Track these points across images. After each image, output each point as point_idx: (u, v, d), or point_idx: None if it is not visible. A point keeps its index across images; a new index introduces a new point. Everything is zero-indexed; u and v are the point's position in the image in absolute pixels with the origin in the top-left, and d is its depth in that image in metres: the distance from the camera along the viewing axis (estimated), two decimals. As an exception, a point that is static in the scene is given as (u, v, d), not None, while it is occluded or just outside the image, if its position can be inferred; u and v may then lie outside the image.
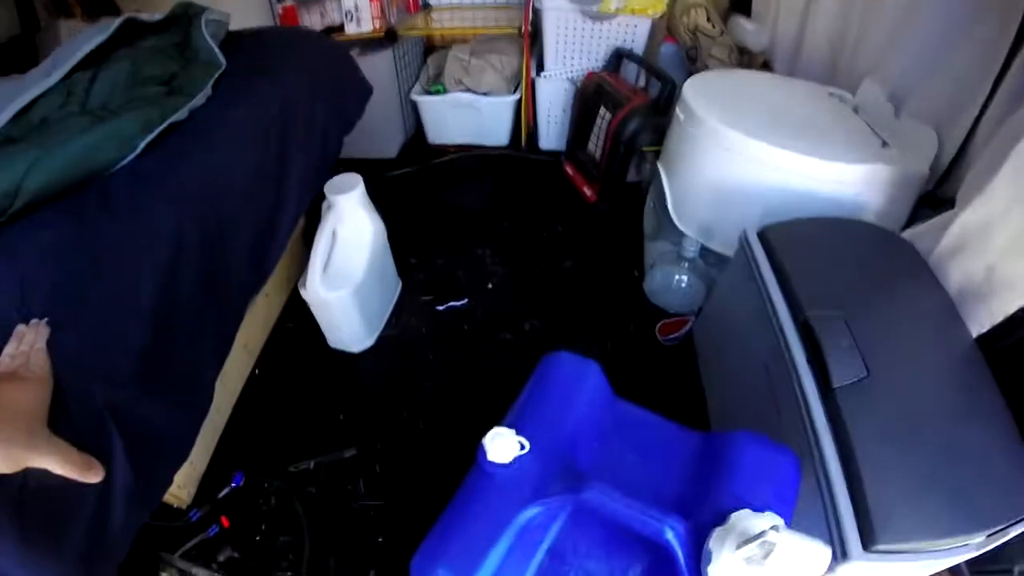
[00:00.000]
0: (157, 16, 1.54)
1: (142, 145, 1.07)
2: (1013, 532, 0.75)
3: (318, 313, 1.57)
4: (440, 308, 1.80)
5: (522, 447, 0.79)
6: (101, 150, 1.02)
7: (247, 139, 1.26)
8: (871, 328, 0.92)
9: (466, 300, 1.82)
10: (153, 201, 1.01)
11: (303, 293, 1.50)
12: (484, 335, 1.72)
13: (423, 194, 2.29)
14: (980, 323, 0.94)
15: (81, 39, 1.38)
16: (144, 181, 1.04)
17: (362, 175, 1.53)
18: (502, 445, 0.77)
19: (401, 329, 1.74)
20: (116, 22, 1.44)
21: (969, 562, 1.14)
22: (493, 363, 1.64)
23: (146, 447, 0.87)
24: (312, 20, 2.43)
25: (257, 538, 1.33)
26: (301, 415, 1.55)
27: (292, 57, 1.55)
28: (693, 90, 1.46)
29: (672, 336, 1.54)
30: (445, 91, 2.44)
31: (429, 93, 2.47)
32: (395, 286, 1.82)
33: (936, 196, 1.29)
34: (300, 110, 1.44)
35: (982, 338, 0.93)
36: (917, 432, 0.81)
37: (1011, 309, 0.89)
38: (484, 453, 0.77)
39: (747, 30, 2.13)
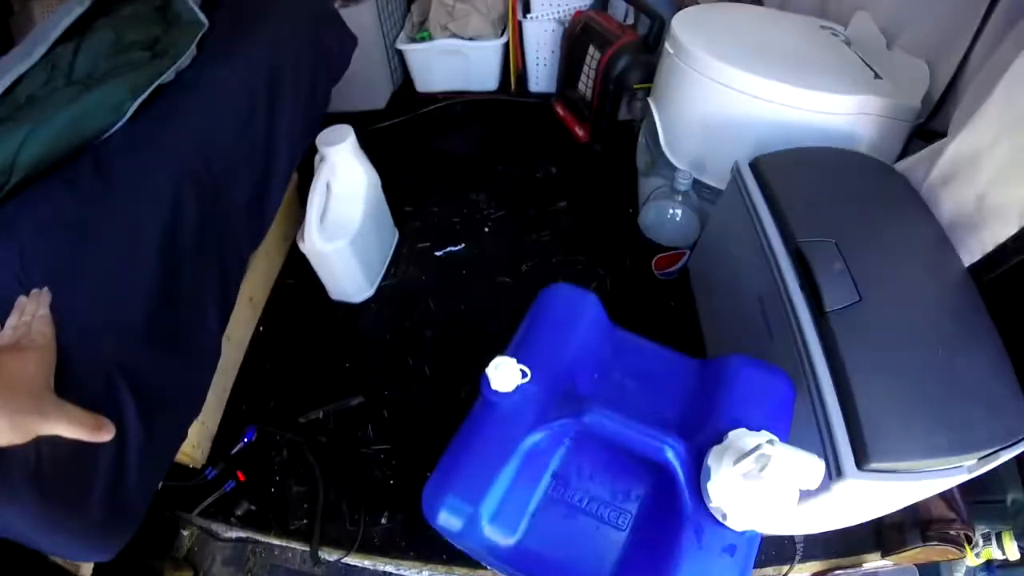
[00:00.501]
0: None
1: (131, 109, 1.07)
2: (1004, 456, 0.77)
3: (317, 265, 1.59)
4: (438, 254, 1.81)
5: (524, 375, 0.81)
6: (90, 118, 1.02)
7: (235, 97, 1.25)
8: (863, 255, 0.93)
9: (463, 245, 1.83)
10: (147, 163, 1.03)
11: (301, 247, 1.50)
12: (483, 279, 1.74)
13: (414, 143, 2.27)
14: (971, 252, 0.95)
15: (60, 13, 1.35)
16: (136, 145, 1.05)
17: (352, 127, 1.52)
18: (504, 374, 0.79)
19: (401, 277, 1.76)
20: None
21: (963, 490, 1.18)
22: (494, 306, 1.67)
23: (157, 405, 0.90)
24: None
25: (272, 490, 1.37)
26: (307, 367, 1.58)
27: (274, 11, 1.52)
28: (682, 24, 1.45)
29: (668, 270, 1.56)
30: (431, 38, 2.39)
31: (415, 41, 2.43)
32: (392, 235, 1.83)
33: (928, 129, 1.28)
34: (286, 64, 1.42)
35: (973, 267, 0.94)
36: (909, 355, 0.83)
37: (1000, 238, 0.90)
38: (487, 382, 0.80)
39: None
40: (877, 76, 1.32)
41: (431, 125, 2.40)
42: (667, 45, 1.47)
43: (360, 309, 1.70)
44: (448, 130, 2.37)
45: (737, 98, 1.30)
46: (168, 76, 1.17)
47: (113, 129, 1.06)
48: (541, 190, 2.03)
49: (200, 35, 1.30)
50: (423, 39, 2.41)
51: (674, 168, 1.47)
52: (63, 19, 1.32)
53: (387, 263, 1.78)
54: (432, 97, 2.53)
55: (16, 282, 0.82)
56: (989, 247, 0.92)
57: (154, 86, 1.13)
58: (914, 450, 0.76)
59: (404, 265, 1.79)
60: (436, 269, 1.78)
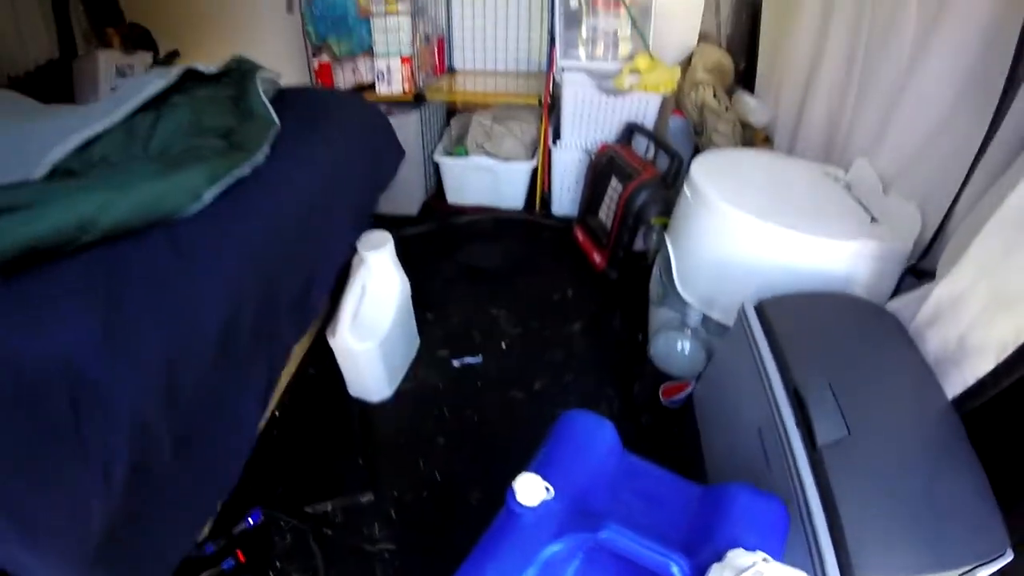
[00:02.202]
0: (213, 68, 1.68)
1: (210, 198, 1.19)
2: (984, 572, 0.84)
3: (344, 361, 1.67)
4: (456, 364, 1.90)
5: (548, 491, 0.88)
6: (170, 197, 1.13)
7: (300, 197, 1.38)
8: (854, 392, 1.03)
9: (480, 357, 1.92)
10: (220, 248, 1.13)
11: (331, 341, 1.60)
12: (496, 392, 1.82)
13: (442, 252, 2.41)
14: (954, 386, 1.04)
15: (142, 82, 1.51)
16: (211, 229, 1.15)
17: (384, 230, 1.65)
18: (530, 489, 0.87)
19: (418, 382, 1.84)
20: (176, 71, 1.58)
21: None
22: (506, 419, 1.74)
23: (198, 473, 0.97)
24: (345, 77, 2.62)
25: (271, 575, 1.40)
26: (319, 458, 1.63)
27: (338, 120, 1.69)
28: (700, 169, 1.59)
29: (674, 398, 1.63)
30: (467, 154, 2.60)
31: (451, 155, 2.63)
32: (414, 341, 1.93)
33: (919, 268, 1.40)
34: (345, 171, 1.58)
35: (956, 399, 1.03)
36: (894, 483, 0.91)
37: (980, 374, 1.00)
38: (513, 496, 0.87)
39: (750, 107, 2.28)
40: (874, 219, 1.46)
41: (459, 236, 2.56)
42: (686, 188, 1.61)
43: (377, 407, 1.77)
44: (474, 243, 2.52)
45: (747, 241, 1.43)
46: (244, 170, 1.29)
47: (189, 210, 1.16)
48: (557, 311, 2.14)
49: (274, 135, 1.44)
50: (460, 154, 2.61)
51: (684, 302, 1.58)
52: (145, 89, 1.46)
53: (407, 367, 1.86)
54: (461, 209, 2.70)
55: (100, 334, 0.89)
56: (970, 381, 1.02)
57: (232, 178, 1.25)
58: (896, 569, 0.83)
59: (422, 370, 1.88)
60: (452, 378, 1.86)
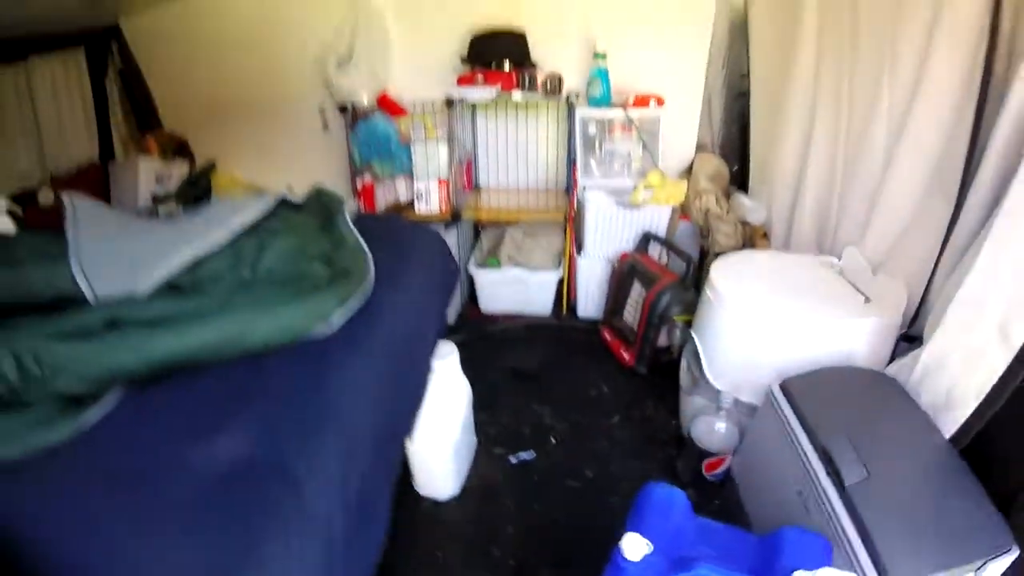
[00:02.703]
0: (299, 198, 1.97)
1: (337, 322, 1.41)
2: (992, 565, 1.11)
3: (417, 462, 1.86)
4: (512, 460, 2.09)
5: (648, 547, 1.10)
6: (305, 320, 1.37)
7: (406, 318, 1.63)
8: (869, 442, 1.31)
9: (533, 453, 2.12)
10: (356, 364, 1.37)
11: (408, 446, 1.80)
12: (553, 483, 2.00)
13: (485, 358, 2.63)
14: (948, 428, 1.33)
15: (238, 206, 1.75)
16: (344, 348, 1.39)
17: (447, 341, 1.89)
18: (634, 547, 1.10)
19: (480, 479, 2.02)
20: (272, 199, 1.84)
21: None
22: (564, 507, 1.91)
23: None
24: (386, 196, 2.91)
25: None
26: (396, 554, 1.71)
27: (412, 247, 1.95)
28: (717, 273, 1.87)
29: (716, 472, 1.83)
30: (500, 266, 2.88)
31: (484, 267, 2.92)
32: (474, 441, 2.12)
33: (910, 335, 1.67)
34: (429, 293, 1.84)
35: (952, 438, 1.32)
36: (910, 506, 1.20)
37: (966, 415, 1.29)
38: (621, 554, 1.09)
39: (748, 207, 2.59)
40: (867, 299, 1.73)
41: (497, 342, 2.81)
42: (707, 290, 1.87)
43: (445, 504, 1.94)
44: (512, 348, 2.76)
45: (765, 331, 1.69)
46: (362, 299, 1.51)
47: (319, 332, 1.38)
48: (596, 405, 2.37)
49: (371, 264, 1.65)
50: (493, 266, 2.90)
51: (715, 389, 1.82)
52: (247, 214, 1.68)
53: (469, 466, 2.05)
54: (494, 317, 2.97)
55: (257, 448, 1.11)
56: (960, 422, 1.30)
57: (356, 304, 1.47)
58: (923, 568, 1.10)
59: (482, 468, 2.07)
60: (510, 473, 2.06)
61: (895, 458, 1.30)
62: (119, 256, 1.52)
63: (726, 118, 3.05)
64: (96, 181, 3.18)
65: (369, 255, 1.69)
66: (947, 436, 1.32)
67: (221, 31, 3.15)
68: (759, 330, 1.71)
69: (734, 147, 3.06)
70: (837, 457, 1.27)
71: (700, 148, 3.01)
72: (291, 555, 0.98)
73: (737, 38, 2.86)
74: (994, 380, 1.23)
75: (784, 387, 1.51)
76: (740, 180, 2.90)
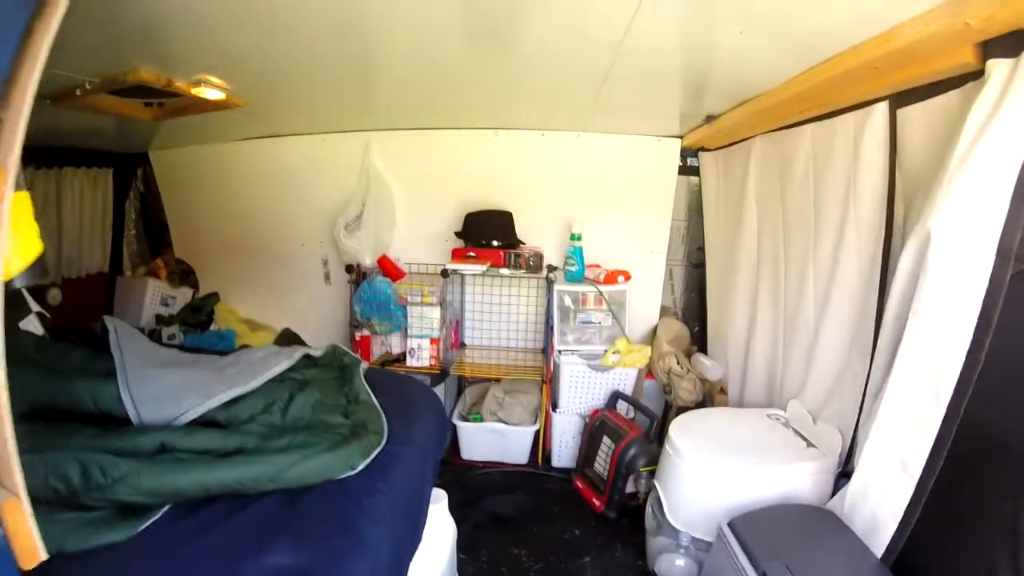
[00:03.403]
0: (320, 352, 2.29)
1: (360, 467, 1.67)
2: None
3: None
4: (492, 599, 2.28)
5: None
6: (336, 465, 1.63)
7: (412, 464, 1.87)
8: (806, 567, 1.54)
9: (511, 591, 2.31)
10: (378, 503, 1.60)
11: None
12: (528, 617, 2.19)
13: (465, 503, 2.80)
14: (878, 550, 1.57)
15: (265, 355, 2.09)
16: (366, 490, 1.62)
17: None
18: None
19: (462, 616, 2.21)
20: (298, 354, 2.16)
21: None
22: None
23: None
24: (378, 348, 3.25)
25: None
26: None
27: (419, 405, 2.23)
28: (676, 430, 2.17)
29: (678, 607, 2.06)
30: (481, 419, 3.15)
31: (467, 420, 3.19)
32: (456, 578, 2.31)
33: (847, 472, 1.92)
34: (431, 444, 2.09)
35: (883, 557, 1.56)
36: None
37: (888, 539, 1.56)
38: None
39: (706, 366, 2.96)
40: (810, 444, 2.05)
41: (477, 487, 3.02)
42: (667, 445, 2.16)
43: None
44: (491, 493, 2.96)
45: (717, 480, 1.97)
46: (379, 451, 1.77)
47: (344, 475, 1.63)
48: (569, 548, 2.57)
49: (386, 420, 1.93)
50: (475, 419, 3.17)
51: (676, 529, 2.07)
52: (278, 365, 2.00)
53: (452, 603, 2.22)
54: (474, 464, 3.20)
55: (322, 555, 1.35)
56: (886, 542, 1.56)
57: (374, 456, 1.73)
58: None
59: (463, 606, 2.25)
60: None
61: (829, 576, 1.55)
62: (161, 385, 1.78)
63: (687, 285, 3.52)
64: (102, 290, 3.48)
65: (383, 413, 1.97)
66: (878, 556, 1.57)
67: (240, 176, 3.53)
68: (712, 479, 1.99)
69: (694, 311, 3.51)
70: (774, 581, 1.51)
71: (664, 312, 3.45)
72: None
73: (695, 215, 3.38)
74: (905, 504, 1.51)
75: (732, 524, 1.77)
76: (700, 341, 3.30)
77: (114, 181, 3.49)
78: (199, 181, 3.62)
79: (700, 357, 3.08)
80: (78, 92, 1.98)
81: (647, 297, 3.39)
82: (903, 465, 1.52)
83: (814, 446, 2.05)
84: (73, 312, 3.07)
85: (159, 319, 3.44)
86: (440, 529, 2.08)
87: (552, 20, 1.55)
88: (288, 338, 3.56)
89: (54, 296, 3.08)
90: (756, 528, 1.73)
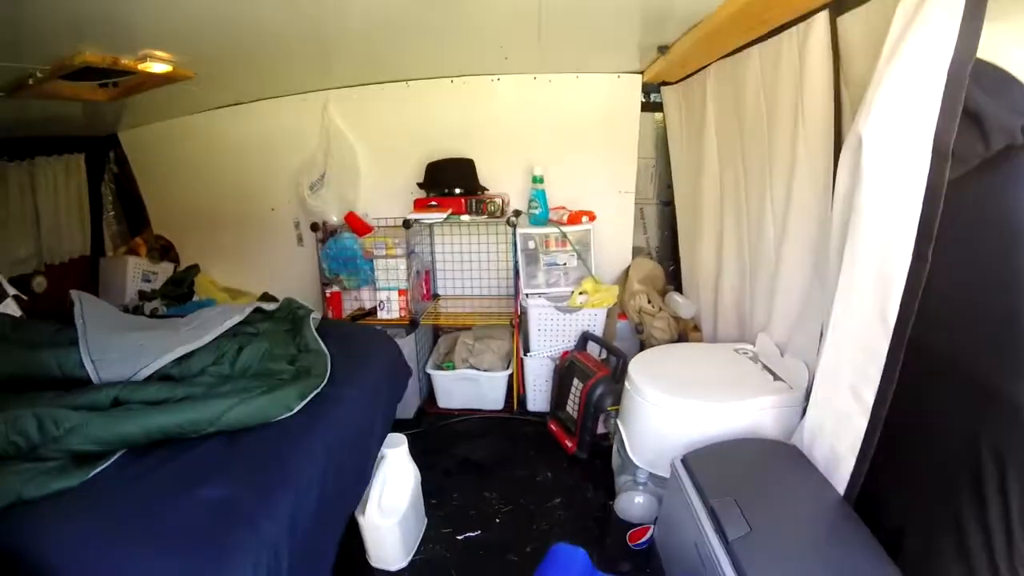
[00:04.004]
0: (273, 306, 2.34)
1: (297, 408, 1.74)
2: None
3: (369, 535, 2.05)
4: (459, 537, 2.28)
5: None
6: (272, 408, 1.70)
7: (357, 408, 1.92)
8: (756, 502, 1.49)
9: (479, 531, 2.31)
10: (311, 441, 1.67)
11: (360, 519, 1.99)
12: (496, 557, 2.19)
13: (439, 449, 2.85)
14: (840, 484, 1.51)
15: (218, 312, 2.18)
16: (300, 430, 1.71)
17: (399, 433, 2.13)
18: None
19: (429, 554, 2.21)
20: (248, 308, 2.22)
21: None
22: (506, 576, 2.11)
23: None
24: (350, 303, 3.25)
25: None
26: None
27: (368, 350, 2.26)
28: (635, 367, 2.13)
29: (640, 542, 2.03)
30: (454, 367, 3.14)
31: (441, 368, 3.18)
32: (423, 520, 2.31)
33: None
34: (380, 390, 2.12)
35: (845, 493, 1.49)
36: (793, 559, 1.35)
37: (849, 472, 1.48)
38: None
39: (679, 304, 2.93)
40: (776, 378, 2.00)
41: (452, 435, 3.03)
42: (626, 382, 2.13)
43: (395, 575, 2.12)
44: (466, 440, 2.98)
45: (676, 417, 1.94)
46: (319, 390, 1.85)
47: (282, 416, 1.71)
48: (540, 490, 2.57)
49: (329, 364, 1.99)
50: (448, 367, 3.15)
51: (636, 466, 2.05)
52: (226, 320, 2.08)
53: (418, 542, 2.24)
54: (451, 412, 3.19)
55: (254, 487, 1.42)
56: (847, 478, 1.49)
57: (312, 395, 1.81)
58: None
59: (431, 544, 2.25)
60: (457, 549, 2.24)
61: (784, 515, 1.47)
62: (121, 348, 1.88)
63: (660, 224, 3.44)
64: (86, 273, 3.53)
65: (328, 356, 2.03)
66: (840, 492, 1.50)
67: (208, 148, 3.52)
68: (670, 416, 1.95)
69: (668, 250, 3.44)
70: (721, 515, 1.45)
71: (637, 252, 3.38)
72: (247, 570, 1.25)
73: (663, 152, 3.29)
74: (861, 435, 1.44)
75: (684, 460, 1.73)
76: (676, 280, 3.25)
77: (87, 165, 3.51)
78: (169, 157, 3.63)
79: (673, 295, 3.03)
80: (31, 82, 2.06)
81: (617, 238, 3.33)
82: (855, 394, 1.45)
83: (781, 380, 2.01)
84: (59, 296, 3.07)
85: (142, 295, 3.53)
86: (400, 472, 2.11)
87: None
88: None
89: (39, 283, 3.22)
90: (709, 463, 1.70)
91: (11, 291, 2.48)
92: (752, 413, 1.90)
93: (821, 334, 1.72)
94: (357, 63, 2.82)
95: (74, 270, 3.48)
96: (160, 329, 2.10)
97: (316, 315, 2.31)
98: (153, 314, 3.26)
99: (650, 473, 2.03)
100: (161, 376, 1.82)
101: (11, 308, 2.41)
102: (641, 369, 2.13)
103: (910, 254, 1.26)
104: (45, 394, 1.66)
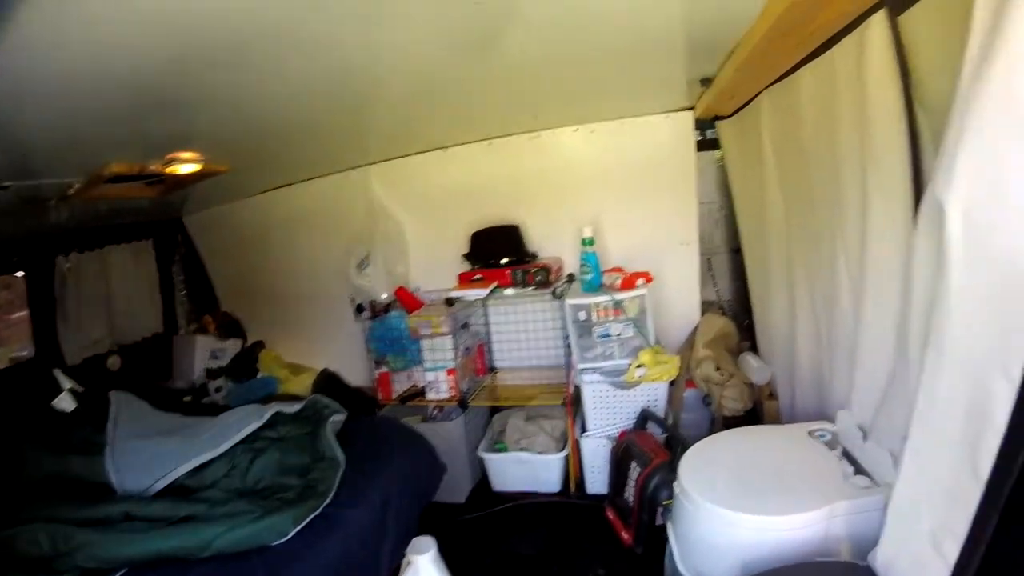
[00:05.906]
0: (296, 407, 2.27)
1: (292, 533, 1.70)
2: None
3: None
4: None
5: None
6: (264, 534, 1.67)
7: (363, 522, 1.86)
8: None
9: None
10: (304, 570, 1.64)
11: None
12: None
13: (487, 540, 2.67)
14: None
15: (238, 418, 2.15)
16: (292, 557, 1.67)
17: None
18: None
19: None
20: (268, 412, 2.17)
21: None
22: None
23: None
24: (401, 384, 3.14)
25: None
26: None
27: (390, 451, 2.20)
28: (687, 463, 1.88)
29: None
30: (506, 449, 2.98)
31: (493, 450, 3.03)
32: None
33: None
34: (397, 496, 2.03)
35: None
36: None
37: None
38: None
39: (752, 368, 2.63)
40: (859, 471, 1.67)
41: (502, 522, 2.84)
42: (676, 485, 1.89)
43: None
44: (516, 529, 2.78)
45: (728, 529, 1.68)
46: (318, 512, 1.79)
47: (277, 542, 1.67)
48: (591, 589, 2.34)
49: (341, 474, 1.92)
50: (501, 449, 3.00)
51: (688, 576, 1.81)
52: (242, 427, 2.06)
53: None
54: (504, 495, 3.02)
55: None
56: None
57: (311, 518, 1.76)
58: None
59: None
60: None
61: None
62: (143, 456, 1.98)
63: (731, 274, 3.16)
64: (160, 351, 3.72)
65: (342, 466, 1.99)
66: None
67: (264, 227, 3.66)
68: (724, 528, 1.68)
69: (742, 303, 3.12)
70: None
71: (707, 307, 3.13)
72: None
73: (727, 193, 3.02)
74: None
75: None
76: (751, 334, 2.94)
77: (156, 248, 3.71)
78: (230, 237, 3.82)
79: (747, 357, 2.75)
80: (70, 192, 2.27)
81: (682, 295, 3.10)
82: (935, 544, 1.11)
83: (864, 472, 1.68)
84: (133, 374, 3.43)
85: (209, 373, 3.66)
86: (430, 577, 1.94)
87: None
88: (326, 379, 3.62)
89: (113, 362, 3.40)
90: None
91: (66, 384, 2.58)
92: (816, 524, 1.59)
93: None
94: (389, 136, 2.83)
95: (148, 347, 3.65)
96: (181, 435, 2.14)
97: (338, 417, 2.26)
98: (219, 392, 3.46)
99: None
100: (175, 487, 1.88)
101: (65, 402, 2.49)
102: (692, 467, 1.88)
103: (1016, 385, 0.87)
104: (72, 500, 1.83)
